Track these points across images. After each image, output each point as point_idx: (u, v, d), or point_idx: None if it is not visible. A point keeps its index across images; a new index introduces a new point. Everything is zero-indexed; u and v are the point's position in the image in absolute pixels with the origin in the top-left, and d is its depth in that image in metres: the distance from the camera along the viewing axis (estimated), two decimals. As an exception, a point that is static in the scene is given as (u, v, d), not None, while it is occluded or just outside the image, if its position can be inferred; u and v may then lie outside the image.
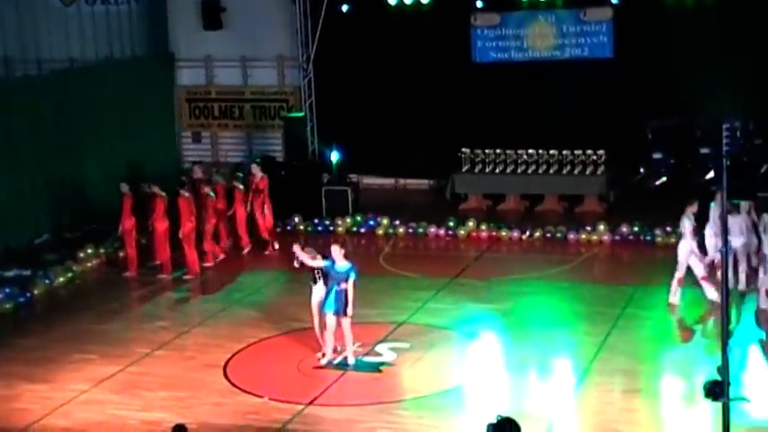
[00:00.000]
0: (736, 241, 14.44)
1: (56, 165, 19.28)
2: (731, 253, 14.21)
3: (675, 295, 14.41)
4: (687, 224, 14.29)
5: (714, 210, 14.72)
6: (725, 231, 8.64)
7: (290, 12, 22.00)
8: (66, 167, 19.50)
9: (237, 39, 22.64)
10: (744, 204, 14.29)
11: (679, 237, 14.68)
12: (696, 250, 14.30)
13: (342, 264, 12.49)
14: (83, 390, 12.23)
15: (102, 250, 18.11)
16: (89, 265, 17.77)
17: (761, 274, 14.17)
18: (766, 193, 15.28)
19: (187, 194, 16.85)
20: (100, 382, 12.43)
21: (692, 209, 14.33)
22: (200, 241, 17.22)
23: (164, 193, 16.84)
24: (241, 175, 18.76)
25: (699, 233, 14.55)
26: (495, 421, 7.53)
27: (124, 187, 17.11)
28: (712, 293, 14.16)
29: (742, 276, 14.75)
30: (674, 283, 14.41)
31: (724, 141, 7.67)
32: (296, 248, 12.88)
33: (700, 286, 14.36)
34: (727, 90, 18.51)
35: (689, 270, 14.31)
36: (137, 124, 21.41)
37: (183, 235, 16.68)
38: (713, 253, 14.52)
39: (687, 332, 13.86)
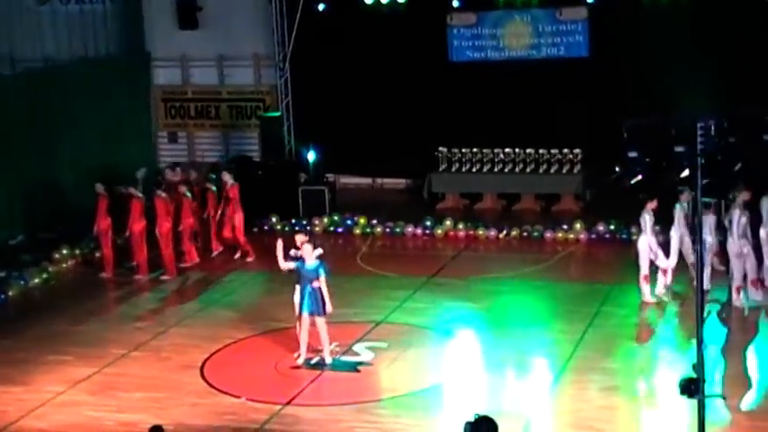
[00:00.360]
0: (708, 239, 14.52)
1: (30, 165, 19.13)
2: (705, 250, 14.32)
3: (647, 294, 14.49)
4: (648, 219, 14.38)
5: (679, 212, 14.85)
6: (700, 230, 8.68)
7: (266, 11, 21.96)
8: (41, 168, 19.36)
9: (213, 38, 22.55)
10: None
11: (638, 233, 14.78)
12: (654, 247, 14.40)
13: (311, 262, 12.48)
14: (58, 391, 12.15)
15: (77, 251, 18.01)
16: (64, 265, 17.68)
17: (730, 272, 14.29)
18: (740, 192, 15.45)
19: (164, 195, 16.79)
20: (76, 384, 12.35)
21: (652, 205, 14.44)
22: (178, 242, 17.17)
23: (140, 194, 16.77)
24: (214, 176, 18.59)
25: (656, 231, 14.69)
26: (472, 420, 7.54)
27: (99, 187, 17.01)
28: (647, 295, 14.38)
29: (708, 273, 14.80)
30: (642, 281, 14.50)
31: (698, 140, 7.71)
32: (279, 244, 12.82)
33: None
34: (703, 88, 18.61)
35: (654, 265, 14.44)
36: (113, 124, 21.27)
37: (159, 235, 16.62)
38: (676, 256, 14.63)
39: (662, 330, 13.93)
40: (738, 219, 13.96)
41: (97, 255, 17.61)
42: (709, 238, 14.54)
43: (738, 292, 14.03)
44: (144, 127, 23.07)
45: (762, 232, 14.26)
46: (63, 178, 19.83)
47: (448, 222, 18.97)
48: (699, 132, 7.76)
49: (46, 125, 19.51)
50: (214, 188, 18.04)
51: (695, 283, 14.50)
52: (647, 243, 14.39)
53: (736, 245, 13.97)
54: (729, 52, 18.83)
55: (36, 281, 16.80)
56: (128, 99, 22.12)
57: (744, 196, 13.94)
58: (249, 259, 17.59)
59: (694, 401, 7.90)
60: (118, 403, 11.79)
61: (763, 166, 18.35)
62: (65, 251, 17.84)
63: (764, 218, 14.35)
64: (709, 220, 14.51)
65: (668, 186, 15.64)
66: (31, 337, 14.11)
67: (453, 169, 20.80)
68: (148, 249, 16.78)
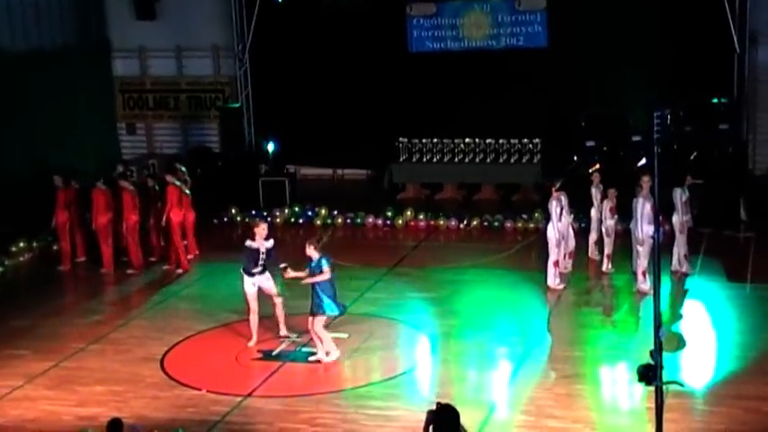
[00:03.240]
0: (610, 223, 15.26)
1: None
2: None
3: (552, 279, 14.77)
4: (555, 206, 14.70)
5: (596, 194, 15.58)
6: (657, 218, 8.76)
7: (225, 1, 21.82)
8: (-1, 160, 19.10)
9: (172, 28, 22.40)
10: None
11: (547, 220, 15.06)
12: (558, 235, 14.72)
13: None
14: (15, 386, 12.00)
15: (34, 244, 17.82)
16: (21, 259, 17.49)
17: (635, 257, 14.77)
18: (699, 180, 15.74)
19: (131, 187, 16.60)
20: (33, 378, 12.20)
21: (559, 193, 14.78)
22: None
23: (104, 186, 16.59)
24: (189, 180, 17.82)
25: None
26: (434, 408, 7.58)
27: (58, 180, 16.86)
28: (553, 280, 14.75)
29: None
30: (551, 266, 14.77)
31: (654, 129, 7.76)
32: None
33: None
34: (660, 78, 18.83)
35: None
36: (71, 116, 21.00)
37: (126, 228, 16.44)
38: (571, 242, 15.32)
39: (623, 316, 14.04)
40: (643, 206, 14.21)
41: (54, 248, 17.42)
42: (610, 221, 15.29)
43: (645, 276, 14.25)
44: (104, 119, 22.82)
45: (674, 219, 14.87)
46: (19, 171, 19.53)
47: (408, 213, 19.01)
48: (655, 122, 7.79)
49: (1, 117, 19.21)
50: (188, 191, 16.91)
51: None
52: (554, 230, 14.64)
53: (643, 231, 14.21)
54: (687, 42, 19.01)
55: (-8, 275, 16.65)
56: (86, 90, 21.85)
57: (649, 183, 14.21)
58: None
59: (652, 388, 7.97)
60: (76, 397, 11.67)
61: (719, 154, 18.73)
62: (22, 244, 17.65)
63: (677, 206, 14.91)
64: (605, 206, 15.25)
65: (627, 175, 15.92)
66: (-14, 332, 13.93)
67: (413, 160, 20.85)
68: (113, 243, 16.66)
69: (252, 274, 12.81)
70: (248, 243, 12.86)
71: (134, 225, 16.52)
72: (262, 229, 12.86)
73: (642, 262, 14.33)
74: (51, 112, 20.37)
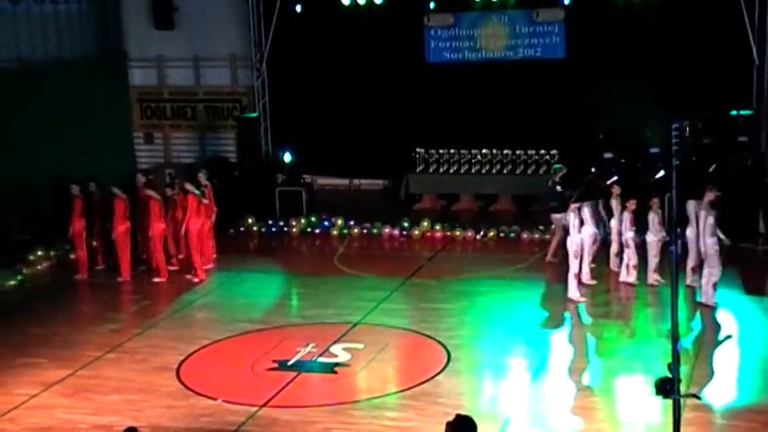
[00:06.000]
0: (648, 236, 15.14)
1: (3, 166, 18.94)
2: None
3: (575, 291, 14.73)
4: (573, 218, 14.74)
5: (616, 205, 15.61)
6: (675, 230, 8.73)
7: (242, 11, 21.89)
8: (14, 169, 19.16)
9: (190, 38, 22.47)
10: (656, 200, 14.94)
11: (565, 232, 15.10)
12: (578, 247, 14.74)
13: None
14: (32, 394, 12.03)
15: (52, 253, 17.88)
16: (39, 267, 17.56)
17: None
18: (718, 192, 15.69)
19: (157, 196, 16.63)
20: (49, 387, 12.24)
21: (576, 206, 14.82)
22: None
23: (123, 195, 16.64)
24: (203, 190, 17.70)
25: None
26: (451, 420, 7.54)
27: (75, 189, 16.91)
28: (574, 292, 14.62)
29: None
30: (571, 278, 14.73)
31: (673, 141, 7.72)
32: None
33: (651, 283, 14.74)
34: (678, 90, 18.74)
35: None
36: (89, 125, 21.08)
37: (152, 237, 16.46)
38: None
39: (640, 328, 13.97)
40: (706, 218, 14.12)
41: (72, 256, 17.49)
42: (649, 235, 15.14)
43: (714, 289, 14.15)
44: (121, 128, 22.90)
45: (688, 232, 14.75)
46: (37, 180, 19.62)
47: (425, 223, 18.98)
48: (673, 134, 7.75)
49: (20, 126, 19.32)
50: (205, 200, 16.90)
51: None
52: (573, 242, 14.64)
53: (707, 243, 14.13)
54: (704, 54, 18.92)
55: (11, 283, 16.66)
56: (104, 100, 21.93)
57: (709, 196, 14.12)
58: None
59: (670, 401, 7.92)
60: (93, 405, 11.69)
61: (738, 166, 18.59)
62: (39, 253, 17.72)
63: (691, 219, 14.81)
64: (624, 218, 15.25)
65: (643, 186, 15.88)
66: (3, 341, 13.96)
67: (430, 170, 20.83)
68: (131, 251, 16.73)
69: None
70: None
71: (161, 234, 16.54)
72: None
73: (713, 272, 14.15)
74: (69, 121, 20.45)
